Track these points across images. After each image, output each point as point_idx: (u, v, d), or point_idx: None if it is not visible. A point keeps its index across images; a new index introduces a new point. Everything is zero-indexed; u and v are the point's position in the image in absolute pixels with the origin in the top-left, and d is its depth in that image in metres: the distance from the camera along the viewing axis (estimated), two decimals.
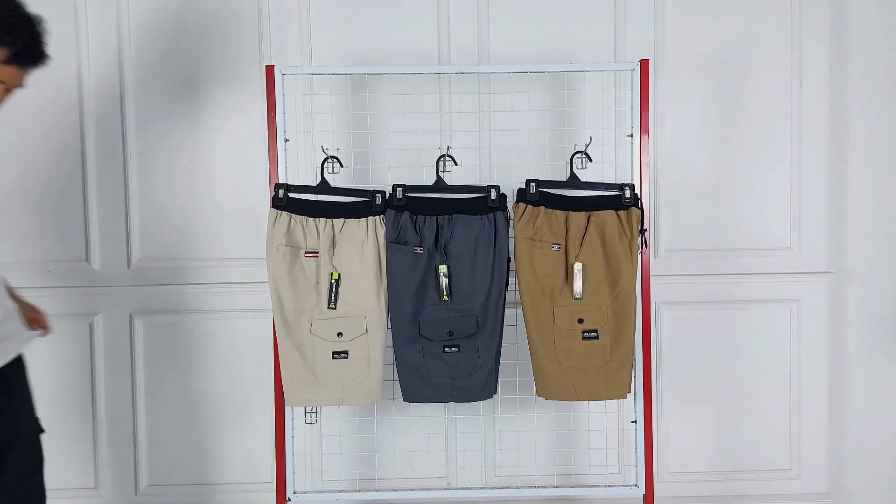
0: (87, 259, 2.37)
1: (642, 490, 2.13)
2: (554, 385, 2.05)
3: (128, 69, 2.35)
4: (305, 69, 2.27)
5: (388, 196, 2.03)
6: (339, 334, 2.01)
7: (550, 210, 2.03)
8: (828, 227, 2.44)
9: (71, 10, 2.33)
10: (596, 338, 2.04)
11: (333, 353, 2.01)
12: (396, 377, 2.07)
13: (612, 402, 2.29)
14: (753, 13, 2.40)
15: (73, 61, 2.33)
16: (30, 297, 1.69)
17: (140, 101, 2.36)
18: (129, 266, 2.37)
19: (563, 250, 2.03)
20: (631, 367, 2.08)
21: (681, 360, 2.45)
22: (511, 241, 2.05)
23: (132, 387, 2.38)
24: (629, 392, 2.08)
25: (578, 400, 2.07)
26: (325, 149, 2.06)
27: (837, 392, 2.49)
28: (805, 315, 2.45)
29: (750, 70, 2.41)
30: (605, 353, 2.05)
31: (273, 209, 1.98)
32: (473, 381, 2.05)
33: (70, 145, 2.34)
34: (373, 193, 2.03)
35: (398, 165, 2.23)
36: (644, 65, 2.06)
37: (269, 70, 2.01)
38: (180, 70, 2.35)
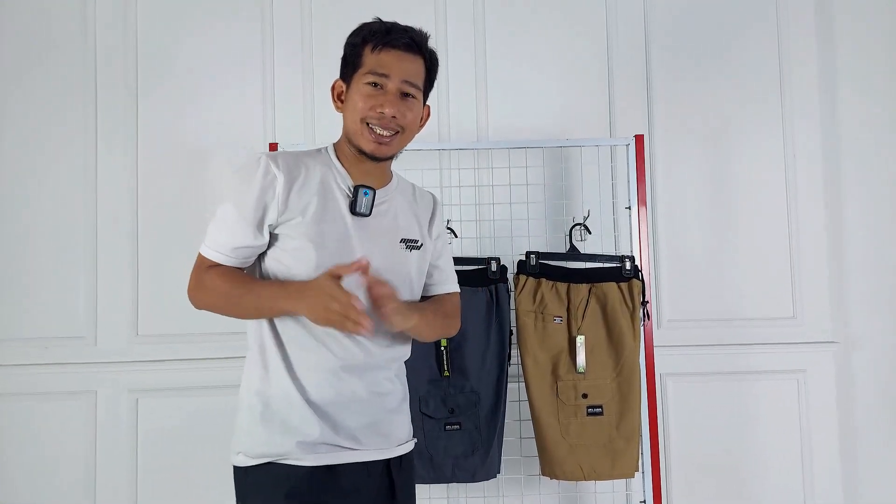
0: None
1: None
2: (559, 464, 1.99)
3: None
4: (308, 146, 2.32)
5: None
6: None
7: (551, 282, 2.03)
8: (829, 295, 2.43)
9: None
10: (601, 413, 2.00)
11: None
12: None
13: (620, 481, 2.21)
14: (742, 82, 2.47)
15: (83, 164, 2.38)
16: None
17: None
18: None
19: (565, 323, 2.02)
20: (638, 443, 2.02)
21: (688, 435, 2.38)
22: (512, 313, 2.03)
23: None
24: (637, 470, 2.02)
25: (585, 479, 2.00)
26: None
27: (849, 464, 2.41)
28: (812, 386, 2.40)
29: (742, 140, 2.46)
30: (611, 429, 2.00)
31: None
32: (476, 461, 1.99)
33: None
34: None
35: None
36: (639, 139, 2.10)
37: (273, 148, 2.05)
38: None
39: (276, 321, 1.27)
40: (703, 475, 2.38)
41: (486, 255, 2.27)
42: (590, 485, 2.24)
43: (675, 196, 2.44)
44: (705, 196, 2.45)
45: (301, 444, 1.23)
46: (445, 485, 2.22)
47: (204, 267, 1.28)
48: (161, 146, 2.39)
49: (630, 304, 2.02)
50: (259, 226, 1.24)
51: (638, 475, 2.04)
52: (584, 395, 2.00)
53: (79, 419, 2.32)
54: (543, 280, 2.02)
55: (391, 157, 1.35)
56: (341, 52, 1.33)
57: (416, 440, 1.44)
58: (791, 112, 2.46)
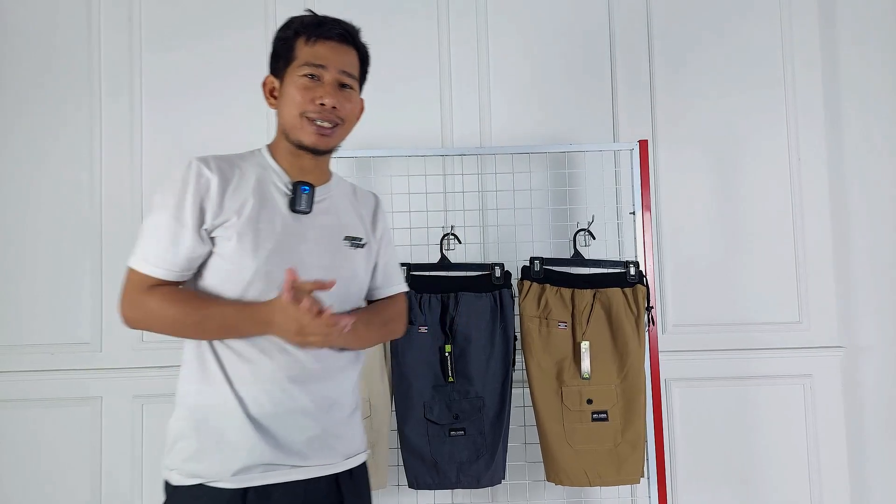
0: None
1: None
2: (564, 470, 1.98)
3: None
4: None
5: None
6: None
7: (556, 287, 2.02)
8: (836, 300, 2.42)
9: None
10: (606, 419, 1.99)
11: None
12: (401, 462, 2.01)
13: (626, 487, 2.21)
14: (747, 87, 2.46)
15: (88, 173, 2.40)
16: None
17: None
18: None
19: (569, 328, 2.01)
20: (643, 449, 2.01)
21: (694, 440, 2.37)
22: (516, 318, 2.03)
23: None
24: (642, 476, 2.01)
25: (590, 485, 1.99)
26: None
27: (857, 470, 2.40)
28: (819, 391, 2.39)
29: (747, 144, 2.45)
30: (616, 434, 1.99)
31: None
32: (481, 466, 1.98)
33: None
34: None
35: (403, 244, 2.24)
36: (643, 144, 2.10)
37: None
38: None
39: None
40: (708, 481, 2.37)
41: (489, 260, 2.28)
42: (595, 491, 2.23)
43: (680, 201, 2.43)
44: (709, 201, 2.44)
45: (235, 463, 1.17)
46: (450, 490, 2.22)
47: (142, 287, 1.19)
48: (166, 152, 2.39)
49: (634, 310, 2.01)
50: (196, 232, 1.18)
51: (643, 481, 2.03)
52: (589, 401, 1.99)
53: (84, 425, 2.32)
54: (548, 285, 2.02)
55: (332, 151, 1.32)
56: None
57: (368, 451, 1.38)
58: (795, 117, 2.45)
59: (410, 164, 2.30)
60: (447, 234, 2.12)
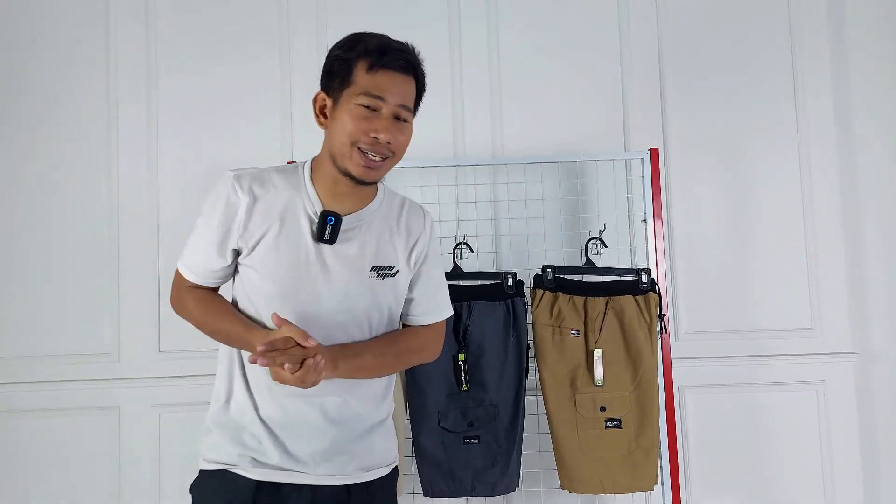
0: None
1: None
2: (578, 477, 1.99)
3: None
4: None
5: None
6: None
7: (568, 296, 2.04)
8: (848, 306, 2.42)
9: None
10: (619, 426, 2.00)
11: None
12: (416, 470, 2.03)
13: (640, 494, 2.21)
14: (757, 95, 2.47)
15: (106, 186, 2.44)
16: None
17: None
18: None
19: (582, 336, 2.03)
20: (657, 456, 2.02)
21: (708, 447, 2.38)
22: (529, 327, 2.05)
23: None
24: (656, 483, 2.02)
25: (604, 493, 2.00)
26: None
27: (871, 476, 2.39)
28: (832, 397, 2.39)
29: (757, 151, 2.46)
30: (630, 442, 2.00)
31: None
32: (496, 474, 2.00)
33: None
34: None
35: None
36: (654, 153, 2.12)
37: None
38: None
39: None
40: (722, 487, 2.37)
41: (502, 269, 2.30)
42: (609, 498, 2.24)
43: (691, 209, 2.45)
44: (721, 208, 2.45)
45: (251, 457, 1.24)
46: (465, 498, 2.23)
47: (182, 286, 1.32)
48: (182, 169, 2.43)
49: (647, 317, 2.02)
50: (221, 248, 1.25)
51: (657, 488, 2.04)
52: (603, 409, 2.01)
53: (103, 435, 2.35)
54: (560, 294, 2.04)
55: (375, 182, 1.29)
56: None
57: (395, 465, 1.36)
58: (806, 123, 2.46)
59: (423, 175, 2.32)
60: (460, 244, 2.14)
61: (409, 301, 1.37)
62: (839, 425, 2.38)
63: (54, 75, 2.44)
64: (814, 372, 2.39)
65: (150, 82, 2.46)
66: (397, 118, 1.23)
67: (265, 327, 1.23)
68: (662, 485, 2.05)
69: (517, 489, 2.03)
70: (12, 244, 2.39)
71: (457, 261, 2.12)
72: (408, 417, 2.02)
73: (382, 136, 1.20)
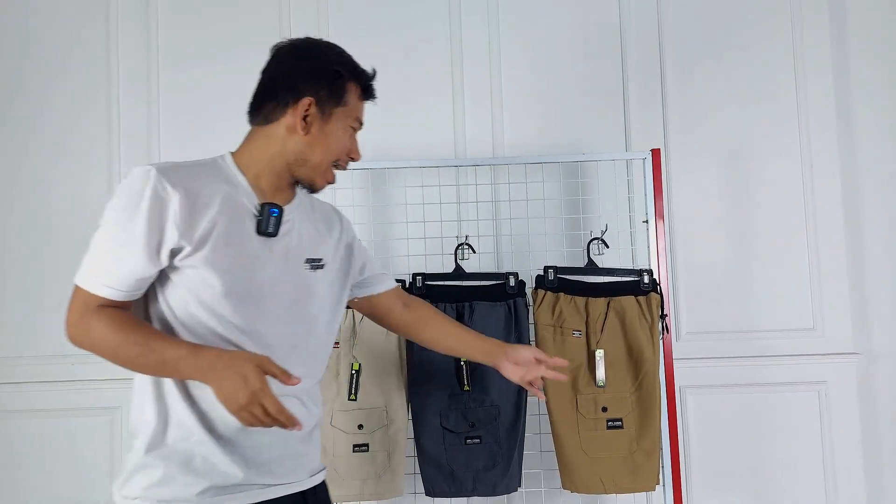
0: None
1: None
2: (580, 477, 1.99)
3: None
4: None
5: (408, 284, 2.05)
6: (360, 426, 1.98)
7: (570, 296, 2.04)
8: (850, 306, 2.42)
9: None
10: (621, 426, 2.00)
11: (354, 446, 1.98)
12: (417, 470, 2.02)
13: (641, 494, 2.21)
14: (759, 95, 2.47)
15: (106, 186, 2.44)
16: None
17: None
18: None
19: (583, 337, 2.03)
20: (658, 456, 2.02)
21: (709, 448, 2.38)
22: (531, 327, 2.04)
23: None
24: (658, 483, 2.01)
25: (605, 493, 2.00)
26: None
27: (873, 477, 2.39)
28: (834, 398, 2.39)
29: (759, 151, 2.46)
30: (631, 442, 2.00)
31: None
32: (497, 474, 1.99)
33: None
34: None
35: (418, 254, 2.26)
36: (655, 153, 2.12)
37: None
38: None
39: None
40: (724, 488, 2.37)
41: (503, 269, 2.29)
42: (610, 498, 2.24)
43: (692, 209, 2.44)
44: (723, 208, 2.45)
45: (203, 484, 1.11)
46: (466, 498, 2.23)
47: (89, 307, 1.09)
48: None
49: (648, 318, 2.02)
50: (155, 250, 1.08)
51: (659, 488, 2.04)
52: (604, 409, 2.00)
53: (103, 435, 2.35)
54: (562, 294, 2.04)
55: None
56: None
57: (325, 468, 1.33)
58: (807, 122, 2.46)
59: (424, 175, 2.32)
60: (461, 244, 2.14)
61: (366, 276, 1.44)
62: (841, 426, 2.38)
63: (54, 74, 2.44)
64: (815, 372, 2.39)
65: (150, 81, 2.45)
66: None
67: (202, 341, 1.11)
68: (664, 485, 2.05)
69: (518, 489, 2.03)
70: (11, 244, 2.39)
71: (458, 261, 2.12)
72: (409, 418, 2.01)
73: (356, 157, 1.30)
